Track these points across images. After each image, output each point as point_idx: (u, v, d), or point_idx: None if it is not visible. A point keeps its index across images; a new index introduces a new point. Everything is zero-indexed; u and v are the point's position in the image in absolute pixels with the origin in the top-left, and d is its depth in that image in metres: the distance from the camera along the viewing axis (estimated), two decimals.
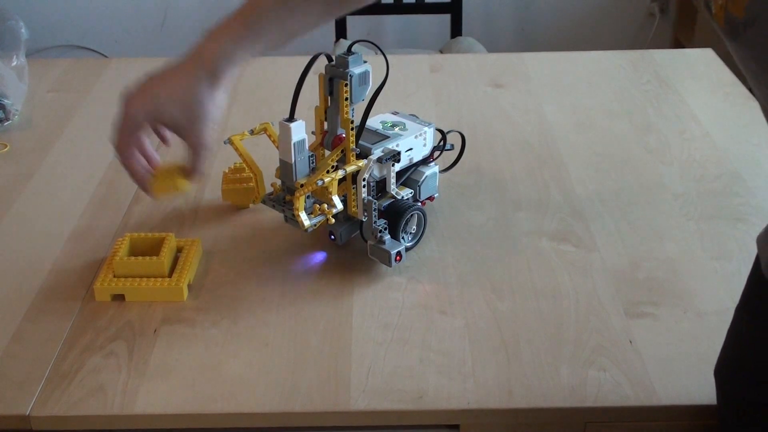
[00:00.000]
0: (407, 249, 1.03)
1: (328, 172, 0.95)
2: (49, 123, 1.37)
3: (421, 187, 1.06)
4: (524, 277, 1.00)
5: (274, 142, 1.03)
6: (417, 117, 1.09)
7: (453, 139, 1.11)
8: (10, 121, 1.36)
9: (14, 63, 1.43)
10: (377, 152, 0.99)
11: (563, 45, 2.73)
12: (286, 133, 0.95)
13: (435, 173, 1.07)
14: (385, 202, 1.01)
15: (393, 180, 1.01)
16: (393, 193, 1.01)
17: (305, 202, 0.96)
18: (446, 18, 2.45)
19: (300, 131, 0.95)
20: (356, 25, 2.59)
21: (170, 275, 0.98)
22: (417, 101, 1.41)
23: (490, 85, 1.48)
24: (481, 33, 2.69)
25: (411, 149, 1.04)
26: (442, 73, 1.54)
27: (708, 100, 1.43)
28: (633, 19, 2.77)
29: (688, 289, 0.98)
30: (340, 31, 2.40)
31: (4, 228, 1.11)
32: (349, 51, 0.95)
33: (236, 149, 1.04)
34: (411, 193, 1.05)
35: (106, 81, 1.51)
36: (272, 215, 1.12)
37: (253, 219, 1.12)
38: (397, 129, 1.04)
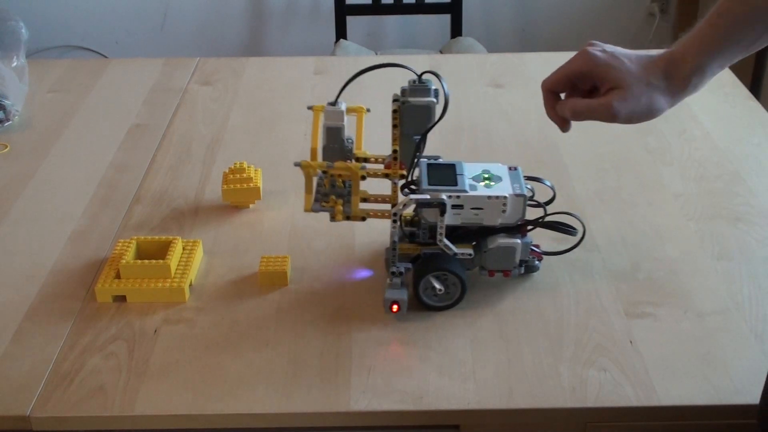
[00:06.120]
0: (432, 308, 0.95)
1: (363, 178, 0.94)
2: (49, 123, 1.37)
3: (488, 255, 0.95)
4: (524, 277, 1.00)
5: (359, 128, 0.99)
6: (539, 180, 1.01)
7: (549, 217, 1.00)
8: (10, 122, 1.36)
9: (14, 63, 1.43)
10: (425, 195, 0.91)
11: (563, 45, 2.72)
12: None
13: (515, 247, 0.95)
14: (432, 251, 0.94)
15: (442, 231, 0.92)
16: (441, 244, 0.93)
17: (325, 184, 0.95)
18: (446, 18, 2.45)
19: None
20: (356, 26, 2.59)
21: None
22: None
23: (490, 85, 1.48)
24: (481, 33, 2.68)
25: (480, 209, 0.92)
26: (442, 73, 1.53)
27: (708, 100, 1.43)
28: (633, 19, 2.77)
29: (688, 289, 0.98)
30: (340, 32, 2.41)
31: (4, 228, 1.11)
32: (419, 79, 0.93)
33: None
34: (470, 254, 0.95)
35: (106, 81, 1.51)
36: (272, 215, 1.12)
37: (253, 219, 1.12)
38: (483, 183, 0.94)
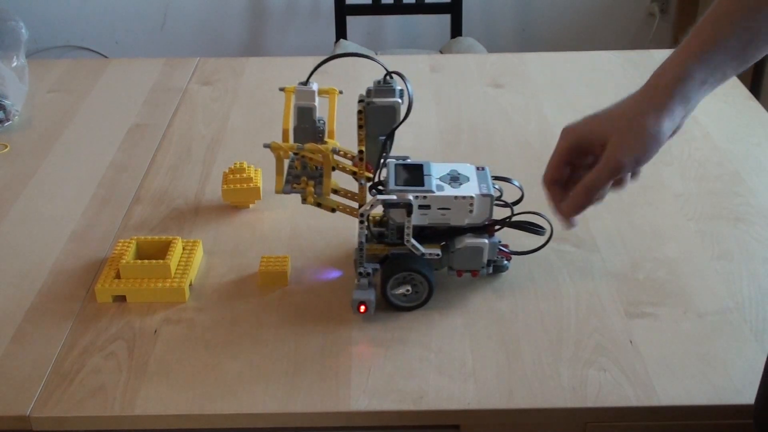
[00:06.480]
0: (400, 308, 0.95)
1: (335, 167, 0.94)
2: (49, 123, 1.37)
3: (455, 255, 0.95)
4: (524, 277, 1.00)
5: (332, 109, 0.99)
6: (508, 180, 1.02)
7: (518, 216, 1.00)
8: (10, 122, 1.36)
9: (14, 64, 1.43)
10: (392, 195, 0.91)
11: (563, 45, 2.72)
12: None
13: (482, 248, 0.94)
14: (401, 251, 0.94)
15: (409, 231, 0.92)
16: (408, 245, 0.93)
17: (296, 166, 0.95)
18: (446, 18, 2.45)
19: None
20: (356, 26, 2.59)
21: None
22: (417, 101, 1.41)
23: (490, 85, 1.48)
24: (481, 33, 2.69)
25: (447, 209, 0.92)
26: (442, 73, 1.54)
27: (708, 100, 1.42)
28: (633, 19, 2.77)
29: (688, 289, 0.98)
30: (340, 32, 2.41)
31: (4, 228, 1.11)
32: (384, 79, 0.92)
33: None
34: (437, 254, 0.94)
35: (106, 81, 1.51)
36: (272, 215, 1.12)
37: (253, 219, 1.12)
38: (450, 184, 0.93)
